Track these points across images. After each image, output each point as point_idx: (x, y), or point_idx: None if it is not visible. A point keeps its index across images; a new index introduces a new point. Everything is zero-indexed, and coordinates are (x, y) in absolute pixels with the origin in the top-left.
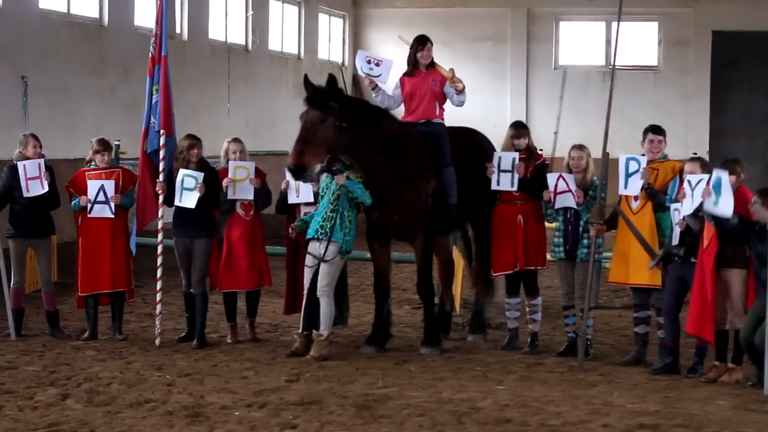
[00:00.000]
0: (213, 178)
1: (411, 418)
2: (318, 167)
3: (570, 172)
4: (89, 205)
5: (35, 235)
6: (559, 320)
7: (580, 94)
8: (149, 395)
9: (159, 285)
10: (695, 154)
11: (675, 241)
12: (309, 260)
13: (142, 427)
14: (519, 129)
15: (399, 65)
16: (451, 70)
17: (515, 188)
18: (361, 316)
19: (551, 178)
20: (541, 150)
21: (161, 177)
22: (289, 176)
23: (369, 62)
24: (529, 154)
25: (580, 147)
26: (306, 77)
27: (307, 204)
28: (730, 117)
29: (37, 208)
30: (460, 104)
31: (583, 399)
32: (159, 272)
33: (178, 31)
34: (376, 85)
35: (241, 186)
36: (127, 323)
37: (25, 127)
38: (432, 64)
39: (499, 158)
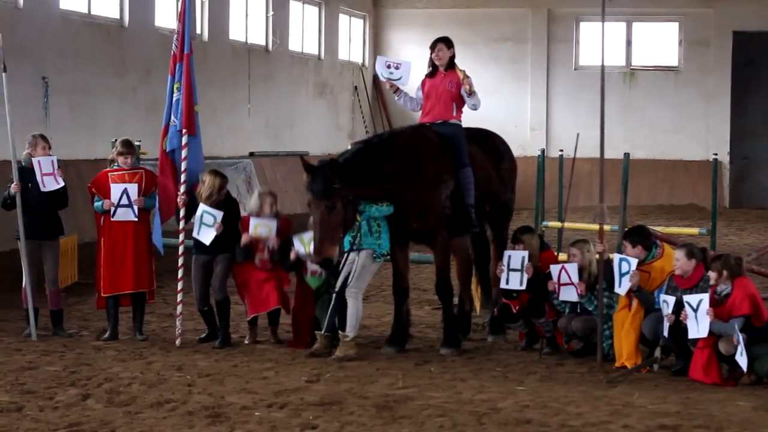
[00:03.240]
0: (234, 211)
1: (431, 418)
2: (337, 249)
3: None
4: (112, 209)
5: (43, 236)
6: None
7: (599, 95)
8: (170, 395)
9: (180, 285)
10: (716, 155)
11: (665, 332)
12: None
13: (162, 428)
14: (525, 234)
15: (419, 66)
16: (463, 71)
17: (524, 287)
18: (381, 316)
19: (554, 270)
20: (561, 151)
21: (182, 189)
22: (298, 245)
23: (389, 67)
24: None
25: (581, 242)
26: (301, 159)
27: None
28: (751, 117)
29: (45, 210)
30: (473, 107)
31: (603, 400)
32: (180, 273)
33: (198, 31)
34: (398, 89)
35: (262, 226)
36: (148, 323)
37: (46, 128)
38: (452, 65)
39: (509, 257)
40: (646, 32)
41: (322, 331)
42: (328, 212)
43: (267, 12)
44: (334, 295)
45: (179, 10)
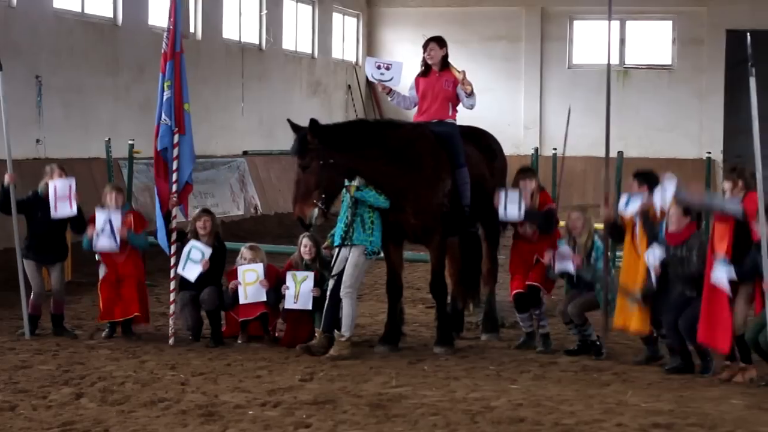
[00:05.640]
0: (221, 254)
1: (425, 417)
2: (315, 212)
3: (569, 233)
4: (94, 237)
5: (46, 261)
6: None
7: (594, 94)
8: (163, 394)
9: (173, 285)
10: (709, 153)
11: (653, 284)
12: (336, 268)
13: (155, 426)
14: (526, 173)
15: (412, 65)
16: (462, 72)
17: (522, 218)
18: (375, 315)
19: (547, 254)
20: (555, 149)
21: (174, 187)
22: (290, 281)
23: (378, 68)
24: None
25: (581, 209)
26: (288, 121)
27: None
28: (745, 116)
29: (52, 236)
30: (470, 107)
31: (597, 398)
32: (173, 272)
33: (192, 30)
34: (390, 89)
35: (251, 289)
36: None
37: (39, 127)
38: (446, 65)
39: (506, 191)
40: (640, 31)
41: (320, 330)
42: (302, 171)
43: (260, 11)
44: (328, 294)
45: (169, 8)
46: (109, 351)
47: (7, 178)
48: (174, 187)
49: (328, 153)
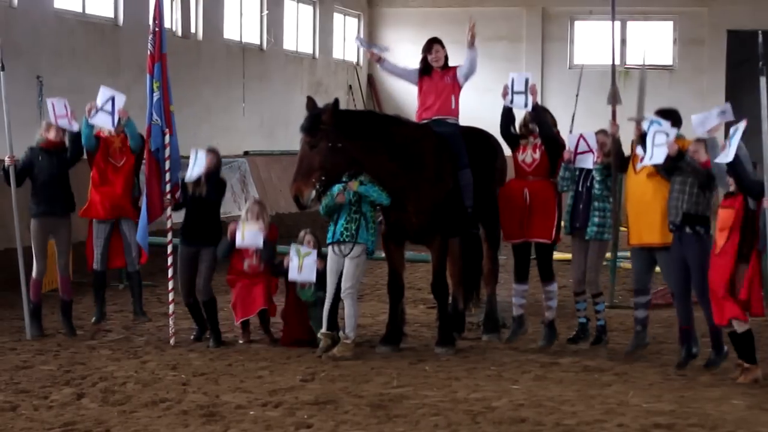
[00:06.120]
0: (220, 189)
1: (426, 417)
2: (312, 193)
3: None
4: (93, 111)
5: (55, 212)
6: (573, 321)
7: (595, 94)
8: (164, 395)
9: (171, 285)
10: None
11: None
12: (331, 263)
13: (157, 427)
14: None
15: (412, 66)
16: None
17: (530, 108)
18: (376, 315)
19: (572, 139)
20: None
21: (168, 187)
22: (293, 253)
23: (366, 42)
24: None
25: (604, 132)
26: (309, 98)
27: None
28: (746, 116)
29: (55, 184)
30: (472, 63)
31: (598, 399)
32: (170, 272)
33: (193, 30)
34: (380, 58)
35: (249, 233)
36: (143, 323)
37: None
38: (447, 65)
39: (512, 79)
40: (641, 31)
41: (323, 330)
42: (308, 149)
43: (261, 11)
44: (328, 294)
45: (153, 9)
46: (110, 351)
47: (7, 160)
48: (168, 187)
49: (339, 137)
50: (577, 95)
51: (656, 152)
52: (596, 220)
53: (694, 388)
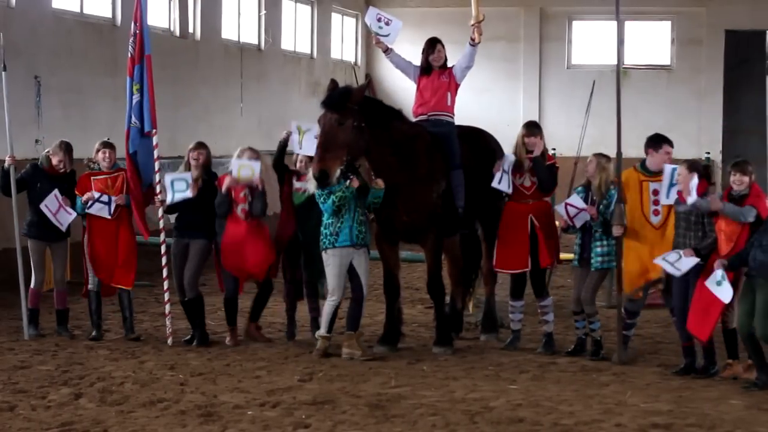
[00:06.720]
0: (210, 188)
1: (424, 417)
2: (339, 171)
3: (588, 183)
4: (90, 202)
5: (49, 238)
6: (571, 320)
7: (593, 94)
8: (162, 395)
9: (166, 285)
10: (708, 153)
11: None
12: (340, 267)
13: (155, 427)
14: (531, 128)
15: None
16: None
17: (510, 191)
18: (374, 315)
19: (560, 209)
20: (553, 150)
21: (158, 188)
22: (294, 131)
23: (379, 20)
24: (541, 154)
25: (600, 155)
26: (333, 81)
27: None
28: (744, 116)
29: None
30: (470, 58)
31: (596, 398)
32: (165, 272)
33: (190, 30)
34: (387, 48)
35: (245, 167)
36: (140, 323)
37: (38, 127)
38: (445, 65)
39: (509, 161)
40: (639, 31)
41: (322, 332)
42: (336, 125)
43: (259, 11)
44: (335, 296)
45: (134, 11)
46: (108, 351)
47: (7, 160)
48: (158, 188)
49: (362, 118)
50: (584, 123)
51: (672, 191)
52: (598, 250)
53: (691, 388)
